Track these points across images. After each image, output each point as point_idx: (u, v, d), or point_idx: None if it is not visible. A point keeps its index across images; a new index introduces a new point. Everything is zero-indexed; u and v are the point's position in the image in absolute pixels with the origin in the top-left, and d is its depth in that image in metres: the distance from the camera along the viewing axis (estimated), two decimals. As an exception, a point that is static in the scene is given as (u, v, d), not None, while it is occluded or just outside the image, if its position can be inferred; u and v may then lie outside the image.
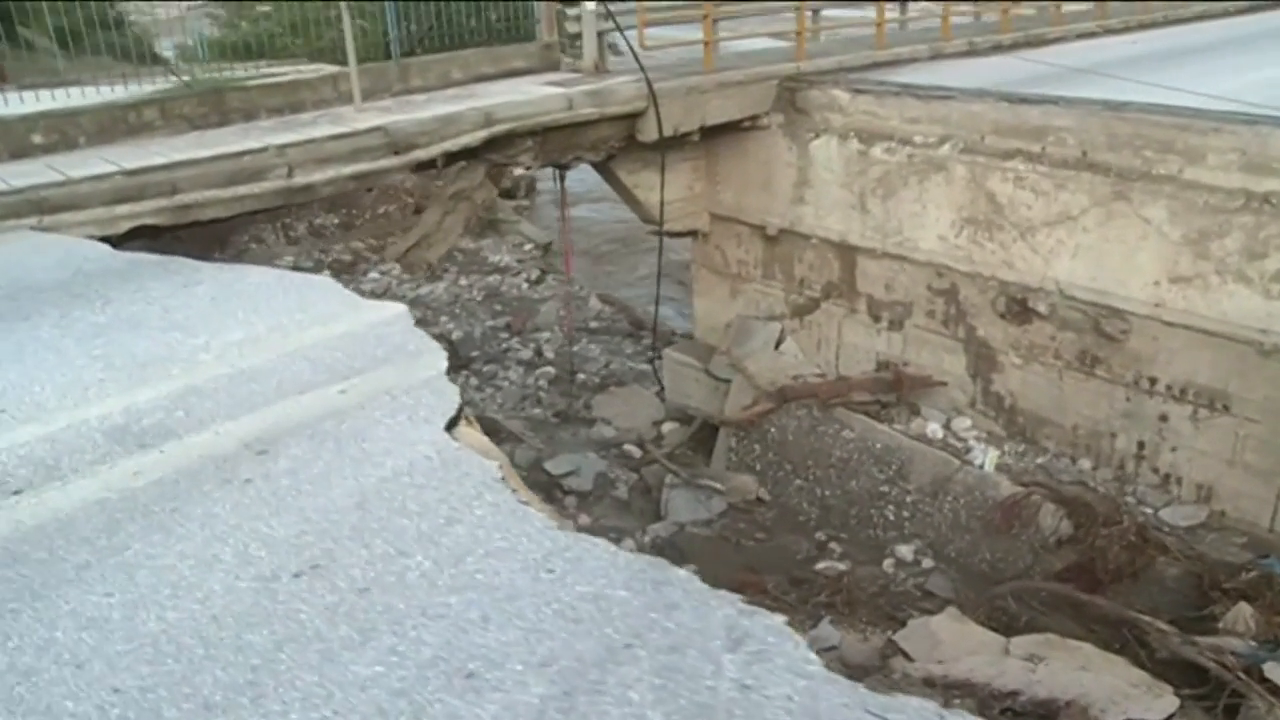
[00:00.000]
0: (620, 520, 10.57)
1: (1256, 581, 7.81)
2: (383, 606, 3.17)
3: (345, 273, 15.74)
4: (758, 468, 10.89)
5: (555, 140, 10.24)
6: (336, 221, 17.87)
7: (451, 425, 4.28)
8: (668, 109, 10.53)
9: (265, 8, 15.30)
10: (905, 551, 9.62)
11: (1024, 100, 9.72)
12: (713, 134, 11.40)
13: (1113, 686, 7.28)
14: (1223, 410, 8.57)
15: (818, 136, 11.10)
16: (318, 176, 8.71)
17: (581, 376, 13.87)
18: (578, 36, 11.52)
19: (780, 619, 3.00)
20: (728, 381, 11.66)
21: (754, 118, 11.40)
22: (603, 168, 11.34)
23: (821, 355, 11.65)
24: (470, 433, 4.33)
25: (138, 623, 3.18)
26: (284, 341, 5.17)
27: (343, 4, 10.01)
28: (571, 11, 11.66)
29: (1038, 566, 8.95)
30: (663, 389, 13.02)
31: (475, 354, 14.33)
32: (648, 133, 10.64)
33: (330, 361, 4.90)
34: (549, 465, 11.31)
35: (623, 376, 13.93)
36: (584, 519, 10.35)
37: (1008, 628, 8.22)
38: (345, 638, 3.05)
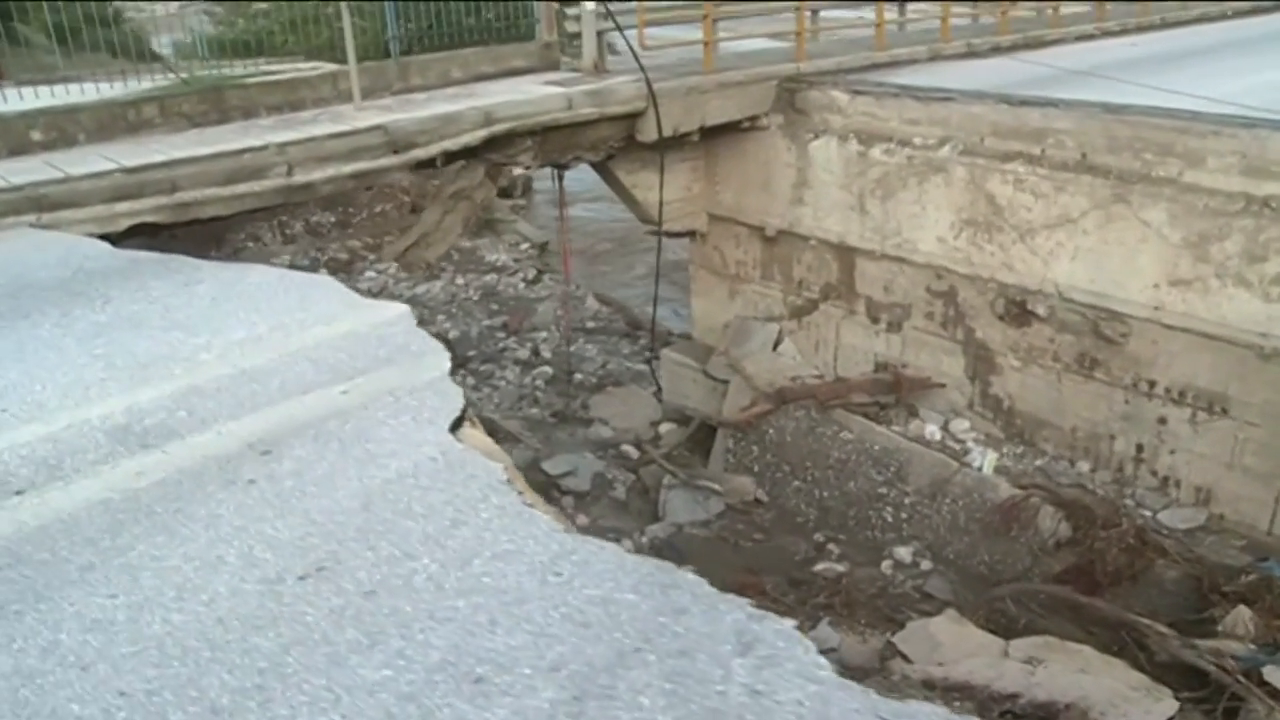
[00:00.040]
0: (618, 521, 10.55)
1: (1256, 584, 7.82)
2: (389, 609, 3.15)
3: (342, 271, 15.69)
4: (756, 469, 10.88)
5: (555, 140, 10.22)
6: (333, 220, 17.83)
7: (455, 427, 4.26)
8: (667, 109, 10.52)
9: (262, 5, 15.28)
10: (904, 553, 9.61)
11: (1024, 102, 9.72)
12: (712, 134, 11.39)
13: (1112, 689, 7.28)
14: (1222, 413, 8.57)
15: (817, 137, 11.09)
16: (317, 175, 8.69)
17: (579, 376, 13.85)
18: (577, 36, 11.50)
19: (790, 623, 2.99)
20: (726, 382, 11.66)
21: (753, 118, 11.39)
22: (601, 168, 11.33)
23: (820, 356, 11.64)
24: (474, 434, 4.31)
25: (143, 625, 3.16)
26: (286, 341, 5.14)
27: (342, 3, 9.98)
28: (571, 11, 11.64)
29: (1036, 569, 8.95)
30: (660, 389, 13.01)
31: (472, 353, 14.30)
32: (647, 133, 10.62)
33: (333, 362, 4.88)
34: (546, 465, 11.29)
35: (620, 377, 13.91)
36: (582, 519, 10.32)
37: (1007, 630, 8.22)
38: (352, 641, 3.03)
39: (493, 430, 11.38)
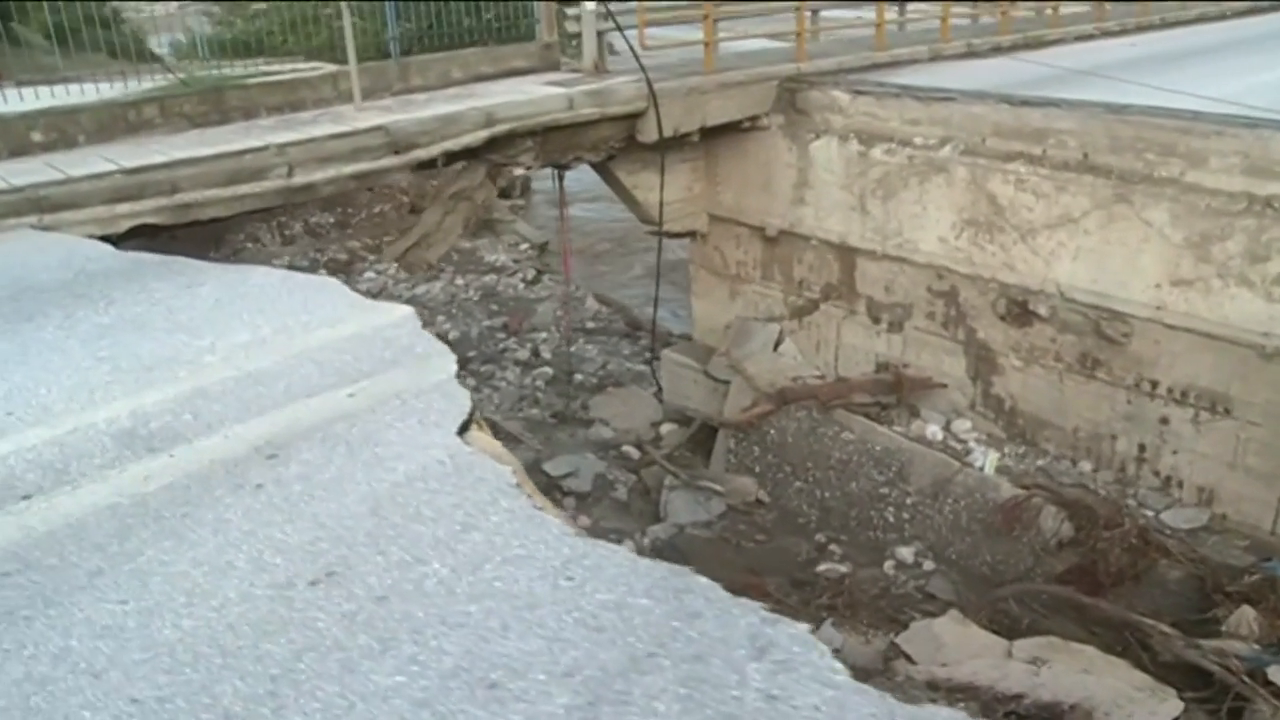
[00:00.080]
0: (620, 522, 10.54)
1: (1259, 584, 7.82)
2: (401, 615, 3.13)
3: (341, 272, 15.66)
4: (757, 469, 10.87)
5: (556, 140, 10.21)
6: (332, 221, 17.81)
7: (463, 430, 4.24)
8: (668, 109, 10.51)
9: (260, 5, 15.25)
10: (906, 553, 9.61)
11: (1025, 102, 9.73)
12: (712, 135, 11.39)
13: (1116, 690, 7.28)
14: (1224, 413, 8.58)
15: (818, 137, 11.09)
16: (318, 176, 8.68)
17: (579, 377, 13.84)
18: (577, 36, 11.49)
19: (804, 627, 2.98)
20: (727, 383, 11.65)
21: (754, 118, 11.39)
22: (602, 168, 11.32)
23: (821, 357, 11.64)
24: (482, 437, 4.29)
25: (153, 631, 3.14)
26: (290, 344, 5.12)
27: (342, 3, 9.96)
28: (571, 11, 11.64)
29: (1039, 569, 8.95)
30: (661, 390, 12.99)
31: (472, 354, 14.28)
32: (648, 133, 10.62)
33: (338, 364, 4.86)
34: (547, 466, 11.28)
35: (620, 377, 13.90)
36: (583, 521, 10.31)
37: (1010, 630, 8.22)
38: (365, 647, 3.01)
39: (494, 431, 11.37)
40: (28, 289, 6.03)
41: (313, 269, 15.34)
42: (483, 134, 9.46)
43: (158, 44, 13.56)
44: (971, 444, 10.02)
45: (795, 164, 11.29)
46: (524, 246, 18.86)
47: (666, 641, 2.95)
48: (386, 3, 11.13)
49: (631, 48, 10.71)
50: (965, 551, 9.43)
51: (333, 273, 14.63)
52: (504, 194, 19.72)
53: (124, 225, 7.68)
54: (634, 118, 10.58)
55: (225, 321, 5.43)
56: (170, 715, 2.80)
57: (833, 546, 9.95)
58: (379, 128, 9.00)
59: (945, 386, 10.46)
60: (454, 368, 4.79)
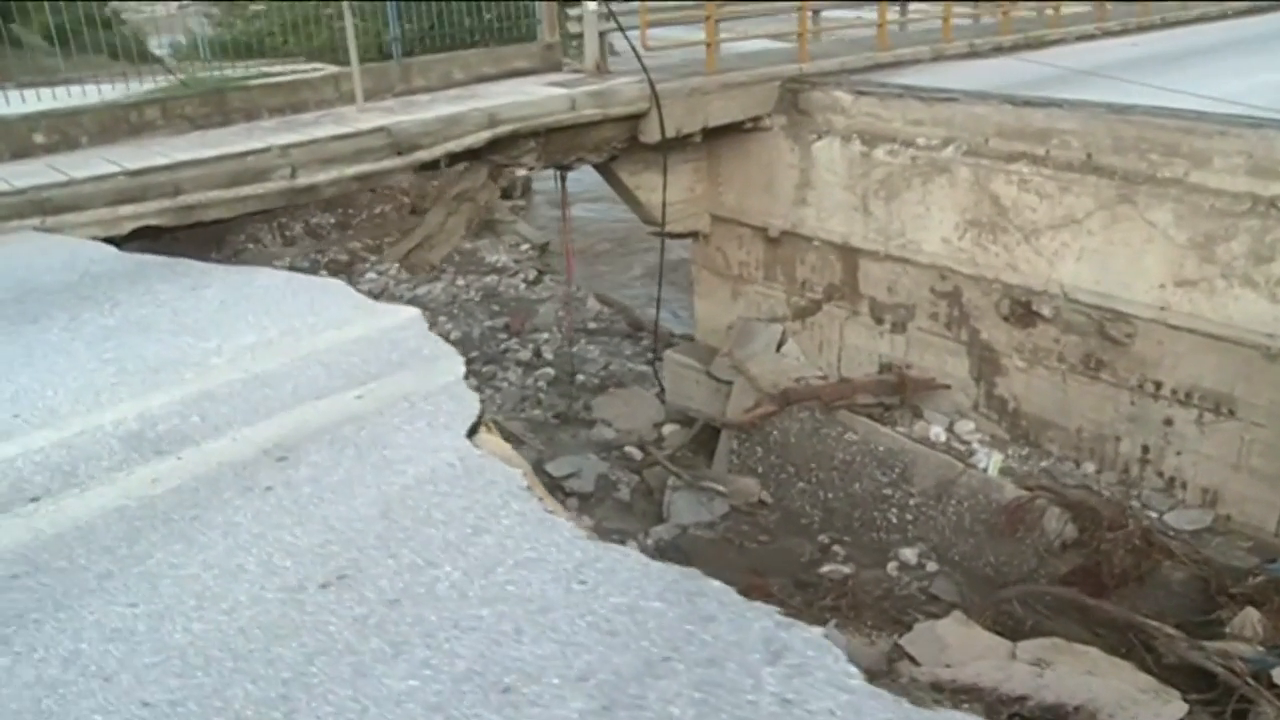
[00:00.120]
0: (622, 522, 10.53)
1: (1264, 586, 7.81)
2: (413, 618, 3.12)
3: (342, 273, 15.63)
4: (760, 470, 10.86)
5: (558, 141, 10.20)
6: (333, 221, 17.79)
7: (472, 432, 4.23)
8: (670, 110, 10.51)
9: (259, 6, 15.26)
10: (909, 554, 9.59)
11: (1028, 103, 9.72)
12: (715, 135, 11.39)
13: (1121, 691, 7.27)
14: (1228, 414, 8.57)
15: (820, 138, 11.08)
16: (321, 177, 8.67)
17: (581, 378, 13.83)
18: (579, 37, 11.48)
19: (819, 631, 2.97)
20: (729, 383, 11.63)
21: (756, 119, 11.39)
22: (604, 169, 11.32)
23: (823, 357, 11.63)
24: (492, 440, 4.28)
25: (164, 634, 3.13)
26: (297, 345, 5.11)
27: (344, 4, 9.95)
28: (573, 11, 11.63)
29: (1042, 570, 8.94)
30: (663, 390, 12.98)
31: (474, 354, 14.26)
32: (650, 134, 10.61)
33: (345, 366, 4.85)
34: (550, 467, 11.26)
35: (622, 378, 13.89)
36: (586, 521, 10.30)
37: (1013, 632, 8.20)
38: (377, 650, 3.00)
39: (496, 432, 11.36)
40: (32, 291, 6.03)
41: (313, 270, 15.32)
42: (485, 135, 9.45)
43: (157, 45, 13.56)
44: (975, 445, 10.01)
45: (798, 164, 11.28)
46: (525, 247, 18.85)
47: (680, 645, 2.94)
48: (388, 3, 11.12)
49: (634, 48, 10.70)
50: (969, 553, 9.42)
51: (333, 273, 14.61)
52: (505, 194, 19.70)
53: (127, 227, 7.68)
54: (636, 118, 10.57)
55: (231, 323, 5.43)
56: (182, 719, 2.79)
57: (836, 548, 9.94)
58: (381, 129, 8.99)
59: (949, 387, 10.46)
60: (462, 370, 4.78)
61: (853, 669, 2.82)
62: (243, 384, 4.70)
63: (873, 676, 7.49)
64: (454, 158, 9.50)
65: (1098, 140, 9.04)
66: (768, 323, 11.98)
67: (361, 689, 2.86)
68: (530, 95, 10.20)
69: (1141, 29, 15.84)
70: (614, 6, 11.18)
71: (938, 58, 13.10)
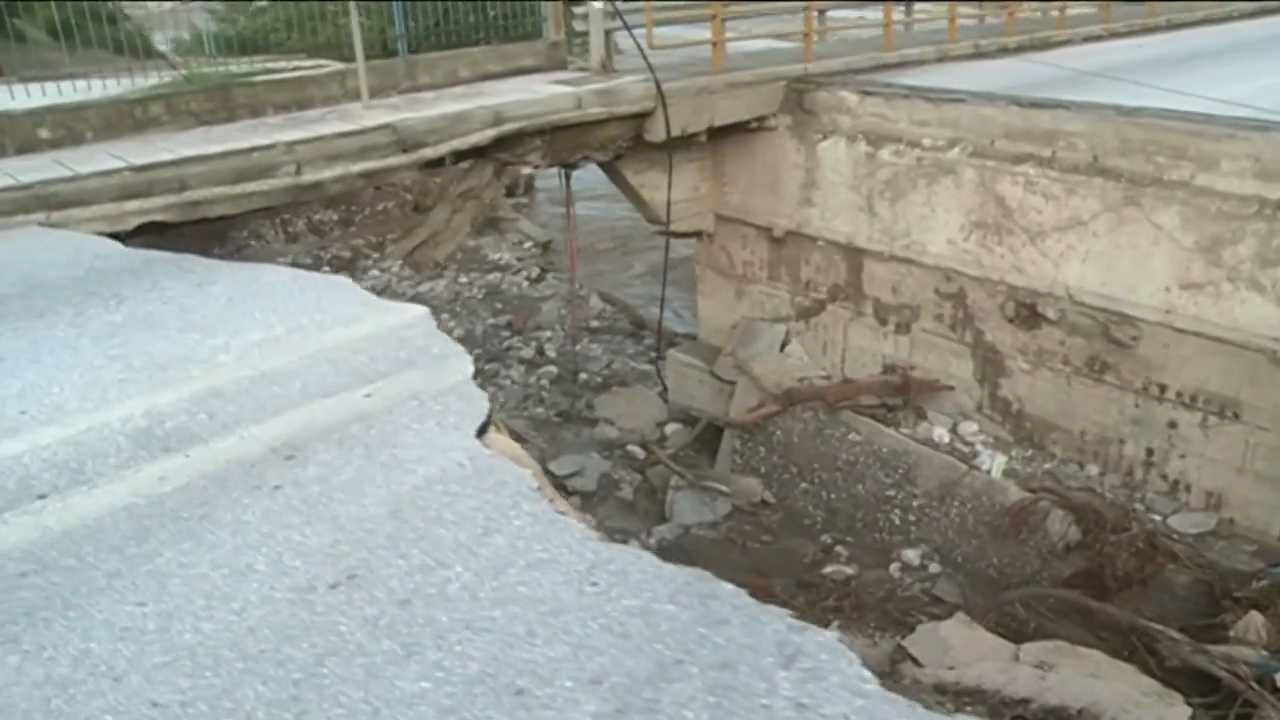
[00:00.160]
0: (625, 522, 10.53)
1: (1267, 590, 7.81)
2: (425, 619, 3.10)
3: (345, 270, 15.63)
4: (763, 470, 10.85)
5: (564, 139, 10.18)
6: (335, 218, 17.78)
7: (482, 432, 4.22)
8: (676, 109, 10.49)
9: (262, 3, 15.22)
10: (912, 556, 9.60)
11: (1034, 104, 9.70)
12: (720, 135, 11.37)
13: (1124, 695, 7.26)
14: (1233, 418, 8.56)
15: (825, 138, 11.06)
16: (326, 174, 8.65)
17: (584, 376, 13.81)
18: (584, 35, 11.46)
19: (833, 634, 2.95)
20: (732, 383, 11.63)
21: (761, 119, 11.37)
22: (609, 167, 11.30)
23: (827, 358, 11.62)
24: (501, 440, 4.27)
25: (174, 634, 3.11)
26: (304, 343, 5.09)
27: (350, 1, 9.92)
28: (579, 10, 11.60)
29: (1046, 573, 8.94)
30: (666, 389, 12.97)
31: (477, 352, 14.24)
32: (656, 133, 10.59)
33: (354, 364, 4.82)
34: (553, 466, 11.26)
35: (625, 377, 13.88)
36: (589, 520, 10.27)
37: (1017, 634, 8.21)
38: (388, 652, 2.98)
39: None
40: (37, 286, 6.00)
41: (316, 267, 15.31)
42: (491, 133, 9.44)
43: (160, 41, 13.54)
44: (978, 446, 10.00)
45: (803, 164, 11.26)
46: (528, 245, 18.83)
47: (694, 648, 2.92)
48: (393, 1, 11.10)
49: (640, 47, 10.68)
50: (972, 554, 9.41)
51: (336, 270, 14.60)
52: (508, 192, 19.70)
53: (132, 223, 7.66)
54: (642, 117, 10.55)
55: (238, 320, 5.40)
56: (193, 720, 2.78)
57: (839, 548, 9.94)
58: (387, 126, 8.97)
59: (952, 389, 10.45)
60: (470, 369, 4.77)
61: (867, 673, 2.80)
62: (250, 381, 4.68)
63: (878, 678, 7.47)
64: (459, 155, 9.48)
65: (1104, 142, 9.03)
66: (771, 323, 11.97)
67: (373, 691, 2.84)
68: (536, 93, 10.19)
69: (1147, 30, 15.82)
70: (620, 5, 11.16)
71: (943, 58, 13.08)
